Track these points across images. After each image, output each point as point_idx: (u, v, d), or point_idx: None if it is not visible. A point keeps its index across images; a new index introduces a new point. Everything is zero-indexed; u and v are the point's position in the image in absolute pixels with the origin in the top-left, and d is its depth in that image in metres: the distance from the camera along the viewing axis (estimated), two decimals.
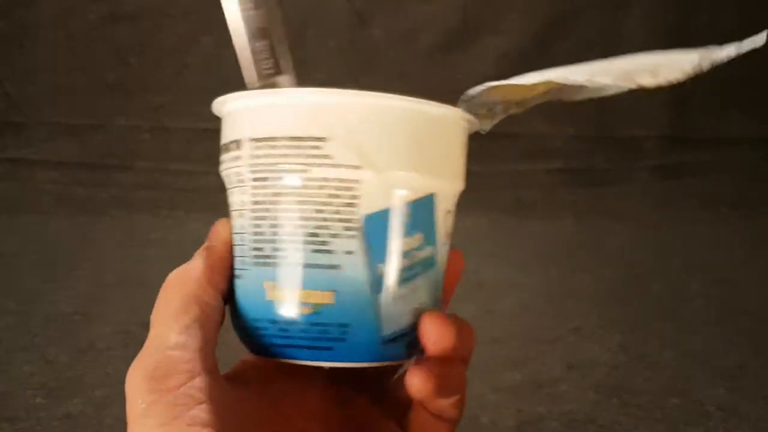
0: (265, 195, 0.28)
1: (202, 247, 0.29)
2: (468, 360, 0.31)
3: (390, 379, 0.33)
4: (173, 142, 1.60)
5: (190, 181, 1.58)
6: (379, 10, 1.76)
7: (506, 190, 1.68)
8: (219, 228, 0.29)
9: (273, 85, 0.31)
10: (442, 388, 0.27)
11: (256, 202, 0.28)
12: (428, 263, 0.29)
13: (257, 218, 0.28)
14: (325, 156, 0.26)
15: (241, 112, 0.29)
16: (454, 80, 1.55)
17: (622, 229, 1.55)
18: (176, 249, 1.33)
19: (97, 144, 1.69)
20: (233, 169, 0.29)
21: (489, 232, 1.47)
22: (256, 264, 0.28)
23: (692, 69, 0.26)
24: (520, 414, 0.68)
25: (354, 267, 0.27)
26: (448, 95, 0.31)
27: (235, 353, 0.31)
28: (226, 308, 0.29)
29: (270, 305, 0.27)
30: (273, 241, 0.27)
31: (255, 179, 0.28)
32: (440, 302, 0.30)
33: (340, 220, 0.27)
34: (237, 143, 0.29)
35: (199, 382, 0.25)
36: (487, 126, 0.32)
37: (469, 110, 0.30)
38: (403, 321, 0.28)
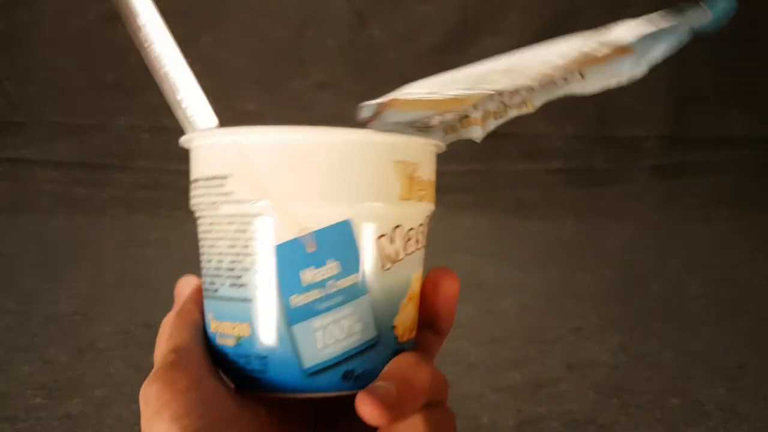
0: (201, 232, 0.29)
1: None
2: (433, 396, 0.27)
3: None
4: (173, 142, 1.58)
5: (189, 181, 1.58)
6: (379, 10, 1.76)
7: (506, 190, 1.68)
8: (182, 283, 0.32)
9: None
10: (398, 417, 0.26)
11: (199, 239, 0.30)
12: (353, 292, 0.27)
13: (201, 254, 0.29)
14: (228, 193, 0.27)
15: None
16: None
17: (622, 229, 1.55)
18: (176, 249, 1.34)
19: (97, 144, 1.69)
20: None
21: (489, 232, 1.47)
22: (205, 296, 0.30)
23: (567, 60, 0.23)
24: (520, 414, 0.68)
25: (265, 299, 0.27)
26: None
27: None
28: None
29: (213, 336, 0.29)
30: (207, 275, 0.29)
31: (196, 218, 0.30)
32: (390, 329, 0.28)
33: (248, 254, 0.27)
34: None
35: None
36: (477, 134, 0.32)
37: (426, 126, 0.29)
38: (327, 353, 0.27)
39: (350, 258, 0.27)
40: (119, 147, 1.69)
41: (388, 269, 0.28)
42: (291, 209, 0.27)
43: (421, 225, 0.29)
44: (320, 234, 0.27)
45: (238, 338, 0.28)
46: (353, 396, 0.26)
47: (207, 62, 1.68)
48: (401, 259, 0.28)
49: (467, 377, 0.76)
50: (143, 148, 1.68)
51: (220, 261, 0.28)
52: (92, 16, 1.66)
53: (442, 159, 0.31)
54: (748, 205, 1.63)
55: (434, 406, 0.27)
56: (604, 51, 0.23)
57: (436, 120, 0.29)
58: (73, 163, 1.67)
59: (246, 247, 0.27)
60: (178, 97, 0.30)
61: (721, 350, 0.85)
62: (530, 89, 0.29)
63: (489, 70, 0.26)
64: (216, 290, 0.28)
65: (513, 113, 0.31)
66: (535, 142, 1.70)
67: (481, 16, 1.74)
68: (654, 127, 1.78)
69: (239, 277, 0.27)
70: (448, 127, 0.31)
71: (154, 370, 0.27)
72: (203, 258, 0.29)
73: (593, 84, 0.28)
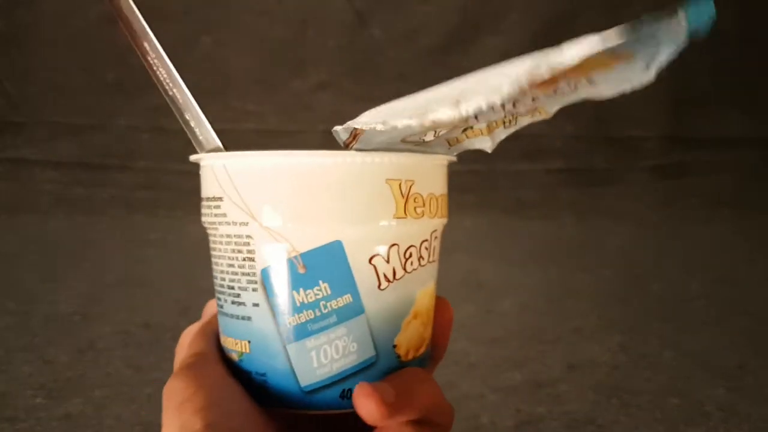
0: (210, 249, 0.30)
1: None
2: (431, 416, 0.27)
3: None
4: (172, 142, 1.60)
5: (189, 181, 1.56)
6: (379, 10, 1.76)
7: (506, 190, 1.68)
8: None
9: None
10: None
11: (210, 256, 0.30)
12: (348, 312, 0.27)
13: (212, 270, 0.30)
14: (223, 214, 0.28)
15: None
16: None
17: (622, 229, 1.55)
18: (175, 249, 1.34)
19: (97, 144, 1.69)
20: None
21: (489, 232, 1.47)
22: (218, 312, 0.30)
23: (514, 86, 0.23)
24: (520, 414, 0.68)
25: (261, 319, 0.28)
26: None
27: None
28: None
29: (224, 349, 0.30)
30: (216, 291, 0.30)
31: (207, 235, 0.30)
32: (390, 348, 0.28)
33: (244, 274, 0.28)
34: None
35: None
36: (486, 144, 0.31)
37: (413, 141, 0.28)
38: (323, 372, 0.27)
39: (342, 278, 0.27)
40: (119, 147, 1.69)
41: (384, 288, 0.28)
42: (279, 231, 0.27)
43: (425, 241, 0.29)
44: (309, 255, 0.27)
45: (240, 354, 0.29)
46: (355, 414, 0.26)
47: (207, 62, 1.69)
48: (400, 278, 0.28)
49: (467, 377, 0.76)
50: (143, 148, 1.68)
51: (222, 279, 0.29)
52: (92, 16, 1.66)
53: None
54: (748, 205, 1.63)
55: (429, 425, 0.27)
56: (548, 75, 0.23)
57: (429, 135, 0.28)
58: (73, 163, 1.67)
59: (242, 267, 0.28)
60: (187, 116, 0.31)
61: (721, 350, 0.85)
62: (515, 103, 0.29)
63: (432, 98, 0.26)
64: (222, 306, 0.29)
65: (525, 121, 0.31)
66: (535, 142, 1.70)
67: (481, 16, 1.74)
68: (654, 127, 1.78)
69: (238, 295, 0.28)
70: (452, 139, 0.31)
71: (176, 370, 0.28)
72: (213, 274, 0.30)
73: (607, 89, 0.28)
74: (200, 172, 0.30)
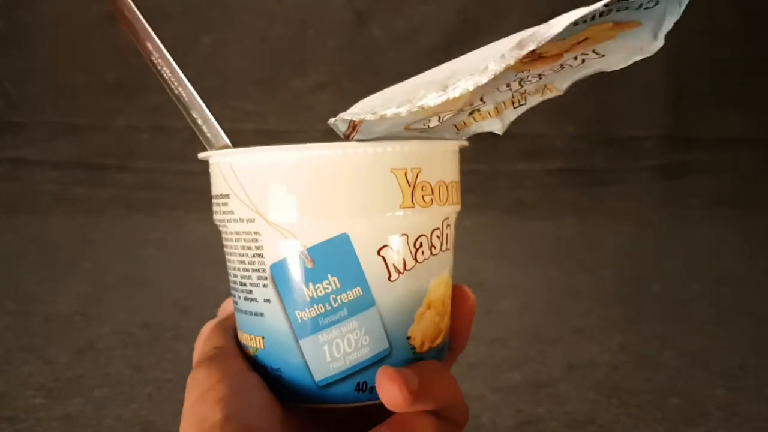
0: (224, 246, 0.30)
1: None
2: (449, 412, 0.27)
3: None
4: (172, 142, 1.60)
5: (189, 181, 1.57)
6: (379, 10, 1.76)
7: (506, 190, 1.68)
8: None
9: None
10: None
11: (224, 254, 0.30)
12: (359, 305, 0.27)
13: (227, 267, 0.30)
14: (231, 211, 0.28)
15: None
16: None
17: (622, 229, 1.55)
18: (175, 249, 1.34)
19: (97, 144, 1.69)
20: None
21: (489, 231, 1.47)
22: (234, 308, 0.30)
23: (500, 64, 0.22)
24: (520, 414, 0.68)
25: (273, 314, 0.28)
26: None
27: None
28: None
29: (241, 346, 0.30)
30: (231, 288, 0.30)
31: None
32: (404, 340, 0.28)
33: (254, 270, 0.28)
34: None
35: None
36: (496, 126, 0.30)
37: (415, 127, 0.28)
38: (336, 366, 0.27)
39: (351, 271, 0.27)
40: (119, 147, 1.69)
41: (395, 280, 0.28)
42: (285, 226, 0.27)
43: (436, 230, 0.29)
44: (317, 249, 0.27)
45: (255, 350, 0.29)
46: (372, 407, 0.26)
47: (207, 62, 1.68)
48: (411, 269, 0.28)
49: (467, 377, 0.76)
50: (143, 148, 1.68)
51: (235, 276, 0.29)
52: (92, 16, 1.66)
53: None
54: (748, 205, 1.63)
55: (445, 421, 0.27)
56: (534, 46, 0.22)
57: (433, 121, 0.28)
58: (73, 163, 1.67)
59: (252, 263, 0.28)
60: (194, 115, 0.31)
61: (721, 350, 0.85)
62: (542, 76, 0.28)
63: (421, 83, 0.25)
64: (236, 303, 0.30)
65: (535, 99, 0.30)
66: (535, 142, 1.70)
67: (481, 16, 1.74)
68: (654, 127, 1.78)
69: (250, 291, 0.28)
70: (460, 124, 0.30)
71: (197, 362, 0.28)
72: (227, 271, 0.30)
73: (617, 60, 0.27)
74: (210, 170, 0.30)
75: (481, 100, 0.29)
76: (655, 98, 1.76)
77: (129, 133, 1.70)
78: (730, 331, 0.92)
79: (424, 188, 0.28)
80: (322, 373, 0.27)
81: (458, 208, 0.30)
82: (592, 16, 0.24)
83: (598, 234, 1.51)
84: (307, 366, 0.27)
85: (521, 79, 0.28)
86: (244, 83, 1.70)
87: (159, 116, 1.62)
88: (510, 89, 0.29)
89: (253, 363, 0.29)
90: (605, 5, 0.23)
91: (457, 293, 0.31)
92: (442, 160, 0.29)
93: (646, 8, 0.25)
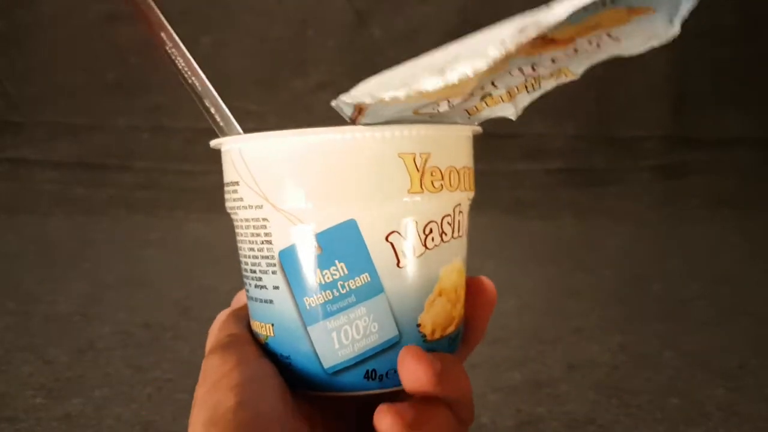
0: (236, 234, 0.30)
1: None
2: (459, 408, 0.27)
3: None
4: (172, 142, 1.60)
5: (189, 181, 1.58)
6: (379, 10, 1.76)
7: (506, 190, 1.68)
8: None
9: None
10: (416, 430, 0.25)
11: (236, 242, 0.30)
12: (367, 291, 0.27)
13: (239, 255, 0.30)
14: (240, 198, 0.28)
15: None
16: None
17: (622, 229, 1.55)
18: (175, 249, 1.34)
19: (96, 144, 1.69)
20: None
21: (489, 231, 1.47)
22: (246, 296, 0.30)
23: (500, 50, 0.21)
24: (520, 414, 0.68)
25: (282, 301, 0.27)
26: None
27: None
28: None
29: (253, 333, 0.30)
30: (243, 276, 0.30)
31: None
32: (414, 328, 0.28)
33: (263, 257, 0.28)
34: None
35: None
36: (509, 111, 0.29)
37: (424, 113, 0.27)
38: (345, 353, 0.27)
39: (359, 257, 0.26)
40: (119, 147, 1.69)
41: (404, 266, 0.27)
42: (293, 213, 0.27)
43: (447, 216, 0.28)
44: (324, 235, 0.26)
45: (266, 337, 0.29)
46: (384, 395, 0.26)
47: (207, 62, 1.68)
48: (421, 255, 0.27)
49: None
50: (142, 148, 1.68)
51: (246, 263, 0.29)
52: (92, 16, 1.66)
53: None
54: (748, 205, 1.63)
55: (454, 414, 0.26)
56: (535, 34, 0.22)
57: (443, 106, 0.27)
58: (73, 163, 1.67)
59: (261, 250, 0.28)
60: (207, 103, 0.31)
61: (721, 350, 0.85)
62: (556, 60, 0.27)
63: (420, 66, 0.25)
64: (248, 290, 0.29)
65: (550, 84, 0.29)
66: (535, 142, 1.70)
67: (481, 16, 1.74)
68: (654, 127, 1.78)
69: (260, 279, 0.28)
70: (471, 109, 0.29)
71: (211, 349, 0.28)
72: (239, 259, 0.30)
73: (633, 46, 0.27)
74: (222, 158, 0.30)
75: (493, 84, 0.29)
76: (656, 98, 1.76)
77: (129, 133, 1.70)
78: (730, 331, 0.92)
79: (433, 173, 0.27)
80: (331, 360, 0.27)
81: (471, 194, 0.30)
82: (603, 2, 0.24)
83: (598, 234, 1.51)
84: (315, 353, 0.27)
85: (533, 63, 0.27)
86: (244, 83, 1.70)
87: (159, 116, 1.62)
88: (523, 74, 0.28)
89: (264, 351, 0.29)
90: None
91: (474, 284, 0.31)
92: (453, 145, 0.28)
93: None
